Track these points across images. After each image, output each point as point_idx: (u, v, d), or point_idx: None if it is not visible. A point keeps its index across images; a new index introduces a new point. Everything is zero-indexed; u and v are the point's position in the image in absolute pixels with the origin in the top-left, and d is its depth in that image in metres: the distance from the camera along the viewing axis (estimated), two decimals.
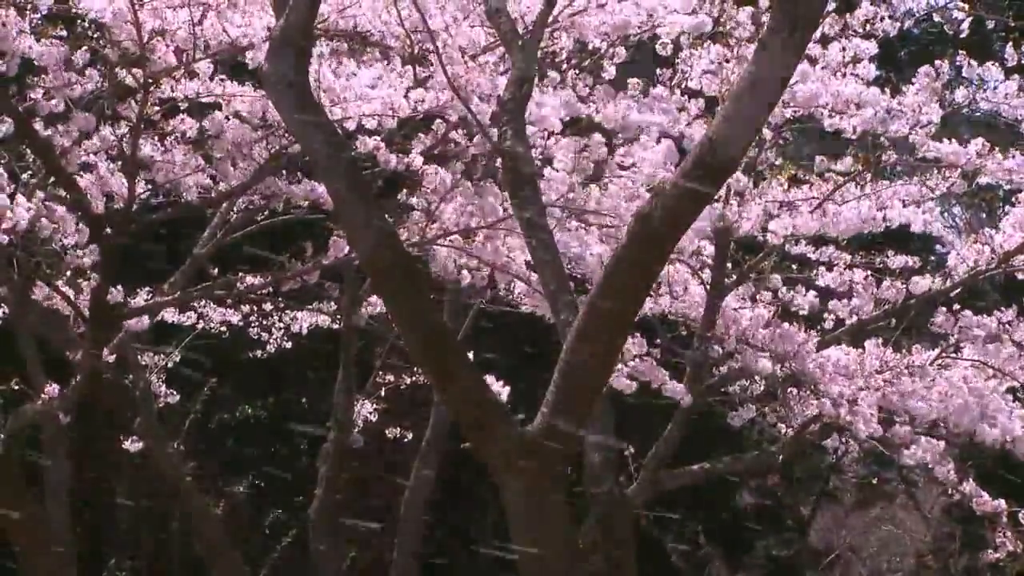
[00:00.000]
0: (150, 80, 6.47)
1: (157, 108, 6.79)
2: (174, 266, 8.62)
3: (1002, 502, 8.21)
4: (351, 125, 6.70)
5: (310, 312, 10.55)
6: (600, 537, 7.91)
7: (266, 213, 8.47)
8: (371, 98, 6.59)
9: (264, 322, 10.57)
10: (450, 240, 7.11)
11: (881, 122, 7.69)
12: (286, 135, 6.83)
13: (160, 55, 6.38)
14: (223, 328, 10.49)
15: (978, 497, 8.21)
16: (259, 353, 11.13)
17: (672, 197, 5.11)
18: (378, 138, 6.88)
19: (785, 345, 7.63)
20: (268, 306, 10.41)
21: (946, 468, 8.06)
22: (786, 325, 7.84)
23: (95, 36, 6.46)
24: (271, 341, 10.85)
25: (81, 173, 7.04)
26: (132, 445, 10.59)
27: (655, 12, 6.97)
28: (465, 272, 7.68)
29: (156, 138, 7.04)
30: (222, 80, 6.69)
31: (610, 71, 7.42)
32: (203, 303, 10.03)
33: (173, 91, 6.65)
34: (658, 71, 7.78)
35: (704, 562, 20.41)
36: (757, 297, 8.24)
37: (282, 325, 10.73)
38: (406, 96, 6.64)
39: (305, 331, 10.63)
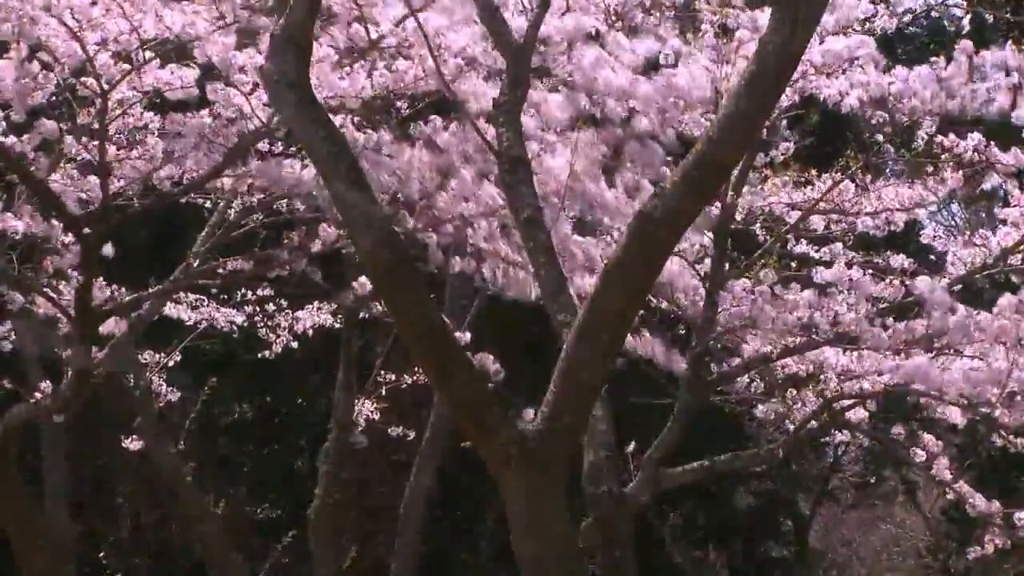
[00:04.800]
0: (105, 88, 6.50)
1: (117, 112, 6.82)
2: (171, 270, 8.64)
3: (996, 503, 8.22)
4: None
5: (310, 312, 10.54)
6: (600, 537, 7.89)
7: (261, 215, 8.50)
8: (329, 83, 6.59)
9: (268, 322, 10.53)
10: (442, 227, 7.11)
11: (879, 93, 7.58)
12: (252, 120, 6.85)
13: (106, 65, 6.40)
14: (209, 330, 10.47)
15: (972, 498, 8.21)
16: (265, 353, 11.07)
17: (672, 196, 5.11)
18: (343, 115, 6.89)
19: (782, 340, 7.63)
20: (271, 306, 10.40)
21: (942, 466, 8.07)
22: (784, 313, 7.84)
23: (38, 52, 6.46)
24: (275, 342, 10.80)
25: (53, 176, 7.07)
26: (132, 444, 10.60)
27: None
28: (456, 259, 7.67)
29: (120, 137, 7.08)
30: (173, 71, 6.68)
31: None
32: (206, 303, 10.03)
33: (130, 88, 6.65)
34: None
35: (703, 562, 20.42)
36: (755, 291, 8.25)
37: (284, 325, 10.71)
38: (369, 76, 6.63)
39: (305, 330, 10.60)
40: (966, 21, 7.44)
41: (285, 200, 8.22)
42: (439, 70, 6.28)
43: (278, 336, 10.68)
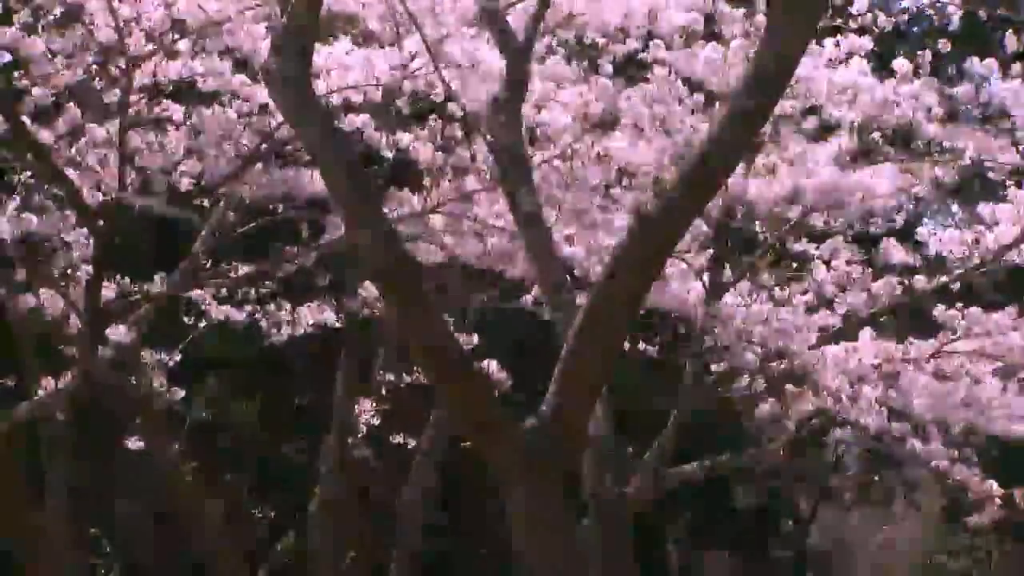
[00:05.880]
0: (132, 66, 6.44)
1: (142, 96, 6.77)
2: (174, 265, 8.63)
3: (994, 483, 8.23)
4: (336, 99, 6.67)
5: (312, 309, 10.46)
6: (600, 537, 7.91)
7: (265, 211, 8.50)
8: (352, 66, 6.56)
9: (269, 319, 10.46)
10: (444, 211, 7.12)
11: (879, 108, 7.64)
12: (273, 118, 6.85)
13: (137, 41, 6.35)
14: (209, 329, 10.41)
15: (972, 480, 8.23)
16: (269, 344, 10.95)
17: (672, 196, 5.12)
18: (366, 115, 6.88)
19: (782, 340, 7.65)
20: (272, 306, 10.34)
21: (941, 456, 8.09)
22: (784, 313, 7.85)
23: (69, 27, 6.42)
24: (275, 337, 10.70)
25: (72, 167, 7.04)
26: (132, 444, 10.57)
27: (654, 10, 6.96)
28: (466, 238, 7.67)
29: (143, 126, 7.06)
30: (202, 59, 6.66)
31: (606, 67, 7.41)
32: (206, 302, 9.98)
33: (155, 75, 6.62)
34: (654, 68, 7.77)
35: (703, 562, 20.43)
36: (754, 294, 8.26)
37: (286, 323, 10.62)
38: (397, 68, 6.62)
39: (306, 328, 10.52)
40: (955, 18, 7.42)
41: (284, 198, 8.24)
42: (439, 72, 6.30)
43: (279, 331, 10.56)
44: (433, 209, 7.08)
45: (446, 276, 9.45)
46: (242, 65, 6.74)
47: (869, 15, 7.90)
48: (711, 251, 8.50)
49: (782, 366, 8.04)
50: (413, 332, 5.51)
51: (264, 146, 6.99)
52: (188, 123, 7.02)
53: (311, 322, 10.31)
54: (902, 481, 22.93)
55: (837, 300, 8.51)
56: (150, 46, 6.39)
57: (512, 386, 9.05)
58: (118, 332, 8.07)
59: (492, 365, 8.89)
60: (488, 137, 6.27)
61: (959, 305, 8.02)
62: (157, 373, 10.13)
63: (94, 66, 6.66)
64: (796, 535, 22.31)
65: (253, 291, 9.95)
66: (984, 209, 7.98)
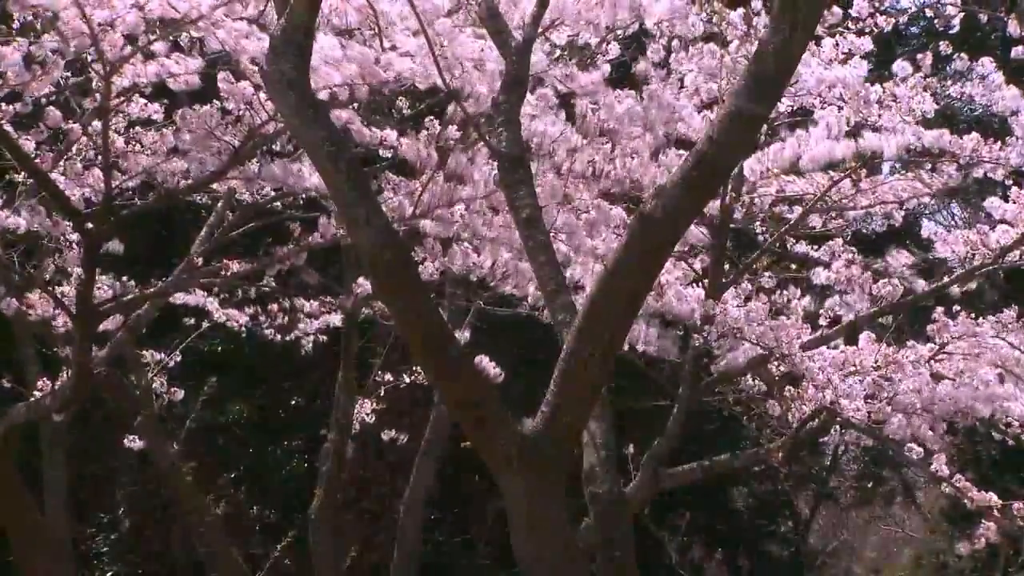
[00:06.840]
0: (108, 69, 6.43)
1: (121, 98, 6.77)
2: (170, 269, 8.64)
3: (993, 495, 8.21)
4: (323, 96, 6.65)
5: (319, 308, 10.46)
6: (600, 537, 7.90)
7: (262, 215, 8.50)
8: (342, 65, 6.53)
9: (273, 322, 10.45)
10: (435, 216, 7.11)
11: (868, 107, 7.66)
12: (257, 114, 6.84)
13: (112, 44, 6.33)
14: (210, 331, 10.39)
15: (970, 491, 8.21)
16: (295, 344, 10.94)
17: (672, 196, 5.12)
18: (351, 109, 6.88)
19: (776, 338, 7.65)
20: (275, 307, 10.34)
21: (940, 462, 8.07)
22: (780, 319, 7.85)
23: (41, 34, 6.40)
24: (304, 338, 10.65)
25: (57, 171, 7.05)
26: (133, 443, 10.58)
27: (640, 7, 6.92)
28: (454, 248, 7.66)
29: (124, 129, 7.06)
30: (179, 60, 6.64)
31: (604, 68, 7.40)
32: (207, 304, 10.00)
33: (134, 77, 6.61)
34: (652, 71, 7.76)
35: (703, 562, 20.43)
36: (753, 296, 8.26)
37: (302, 326, 10.58)
38: (377, 62, 6.57)
39: (315, 330, 10.49)
40: (956, 20, 7.43)
41: (281, 201, 8.24)
42: (440, 71, 6.28)
43: (303, 335, 10.50)
44: (420, 216, 7.07)
45: (443, 278, 9.45)
46: (226, 63, 6.72)
47: (869, 18, 7.91)
48: (711, 251, 8.50)
49: (779, 366, 8.04)
50: (411, 329, 5.50)
51: (248, 146, 6.98)
52: (171, 121, 7.04)
53: (315, 327, 10.28)
54: (902, 481, 22.95)
55: (837, 302, 8.52)
56: (127, 49, 6.38)
57: (512, 388, 9.04)
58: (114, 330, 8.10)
59: (484, 360, 8.88)
60: (488, 138, 6.26)
61: (957, 308, 8.02)
62: (157, 373, 10.14)
63: (75, 66, 6.66)
64: (796, 535, 22.31)
65: (252, 291, 9.95)
66: (988, 208, 7.99)
